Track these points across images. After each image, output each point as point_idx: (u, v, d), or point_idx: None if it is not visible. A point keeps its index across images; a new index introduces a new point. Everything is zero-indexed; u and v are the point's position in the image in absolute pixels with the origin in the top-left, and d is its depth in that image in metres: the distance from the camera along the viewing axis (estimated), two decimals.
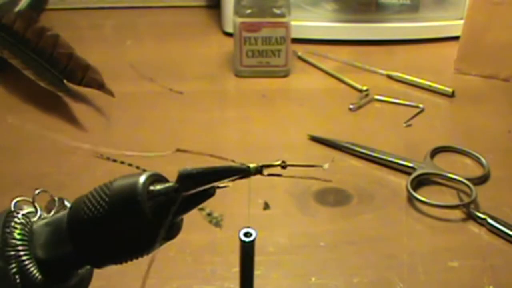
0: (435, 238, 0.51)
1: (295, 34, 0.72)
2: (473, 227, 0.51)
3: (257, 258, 0.31)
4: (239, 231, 0.29)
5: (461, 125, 0.66)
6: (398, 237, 0.50)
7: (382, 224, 0.51)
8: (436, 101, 0.69)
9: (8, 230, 0.27)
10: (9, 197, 0.31)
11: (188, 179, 0.25)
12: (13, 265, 0.26)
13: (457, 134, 0.64)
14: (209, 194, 0.26)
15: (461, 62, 0.74)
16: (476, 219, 0.51)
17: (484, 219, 0.51)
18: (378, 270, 0.47)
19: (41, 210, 0.30)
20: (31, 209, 0.30)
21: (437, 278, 0.46)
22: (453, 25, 0.80)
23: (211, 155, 0.26)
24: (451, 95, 0.69)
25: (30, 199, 0.30)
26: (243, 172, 0.25)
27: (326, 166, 0.21)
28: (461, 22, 0.75)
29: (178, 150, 0.27)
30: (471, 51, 0.74)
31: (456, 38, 0.76)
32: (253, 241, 0.29)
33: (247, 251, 0.29)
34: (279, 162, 0.25)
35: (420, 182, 0.56)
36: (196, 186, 0.25)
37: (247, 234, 0.29)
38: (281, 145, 0.61)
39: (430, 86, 0.70)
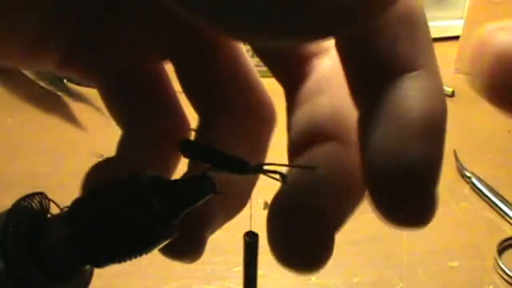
0: (435, 238, 0.50)
1: None
2: (474, 228, 0.51)
3: (258, 258, 0.31)
4: (244, 234, 0.29)
5: (461, 125, 0.65)
6: (398, 237, 0.50)
7: (382, 224, 0.51)
8: None
9: (8, 230, 0.27)
10: (9, 197, 0.31)
11: (187, 146, 0.25)
12: (13, 265, 0.26)
13: (457, 134, 0.64)
14: (207, 191, 0.26)
15: (461, 62, 0.74)
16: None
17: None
18: (378, 270, 0.47)
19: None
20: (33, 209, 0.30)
21: (437, 278, 0.46)
22: (453, 25, 0.80)
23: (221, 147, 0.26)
24: (451, 95, 0.69)
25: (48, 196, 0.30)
26: (242, 164, 0.25)
27: (321, 170, 0.21)
28: (461, 22, 0.75)
29: (193, 130, 0.27)
30: None
31: (456, 38, 0.76)
32: (256, 241, 0.29)
33: (250, 251, 0.29)
34: (278, 173, 0.25)
35: None
36: (193, 156, 0.25)
37: (249, 235, 0.29)
38: (281, 145, 0.61)
39: None
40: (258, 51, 0.24)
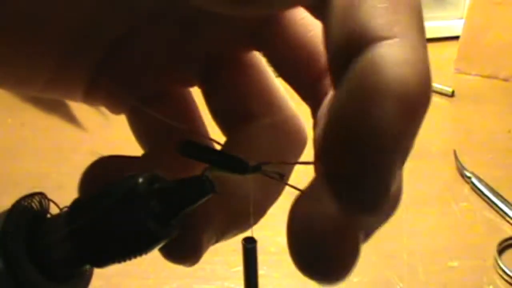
0: (435, 238, 0.51)
1: None
2: (474, 228, 0.51)
3: (258, 258, 0.31)
4: (242, 239, 0.29)
5: (461, 125, 0.65)
6: (398, 237, 0.50)
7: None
8: (436, 101, 0.69)
9: (8, 230, 0.27)
10: (9, 197, 0.31)
11: (187, 146, 0.25)
12: (12, 265, 0.26)
13: (457, 134, 0.64)
14: (206, 191, 0.26)
15: (461, 62, 0.74)
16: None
17: None
18: (378, 270, 0.47)
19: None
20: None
21: (437, 278, 0.46)
22: (453, 25, 0.80)
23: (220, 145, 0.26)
24: (451, 95, 0.69)
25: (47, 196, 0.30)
26: (242, 164, 0.25)
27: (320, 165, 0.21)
28: (461, 22, 0.75)
29: (190, 131, 0.28)
30: (471, 51, 0.74)
31: (456, 38, 0.76)
32: (254, 246, 0.29)
33: (249, 257, 0.29)
34: (277, 173, 0.25)
35: None
36: (192, 156, 0.25)
37: (248, 240, 0.29)
38: None
39: None
40: (280, 72, 0.23)
